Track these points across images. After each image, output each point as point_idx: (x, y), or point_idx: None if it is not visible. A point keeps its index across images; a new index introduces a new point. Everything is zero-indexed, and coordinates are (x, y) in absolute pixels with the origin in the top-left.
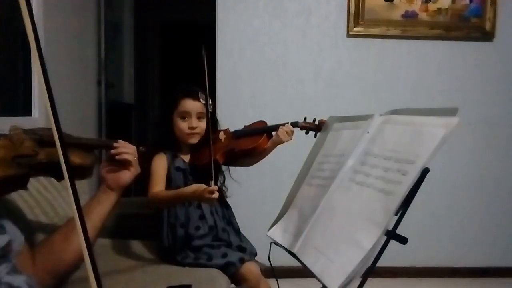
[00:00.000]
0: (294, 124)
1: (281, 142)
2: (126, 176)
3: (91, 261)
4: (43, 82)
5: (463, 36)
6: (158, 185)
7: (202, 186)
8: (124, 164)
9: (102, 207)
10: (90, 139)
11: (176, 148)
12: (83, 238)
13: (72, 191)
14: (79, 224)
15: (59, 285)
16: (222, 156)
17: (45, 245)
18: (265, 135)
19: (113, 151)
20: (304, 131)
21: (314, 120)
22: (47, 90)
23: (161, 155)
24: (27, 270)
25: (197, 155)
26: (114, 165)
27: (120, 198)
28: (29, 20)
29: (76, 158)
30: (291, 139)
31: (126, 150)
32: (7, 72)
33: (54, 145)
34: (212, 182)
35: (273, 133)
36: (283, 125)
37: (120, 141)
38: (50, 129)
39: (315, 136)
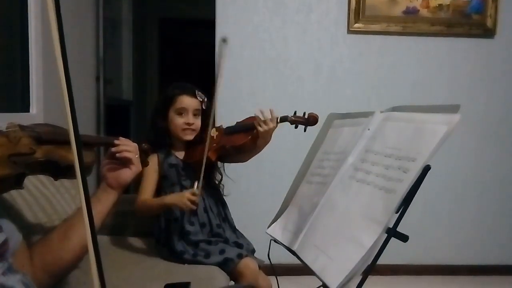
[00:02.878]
0: (284, 119)
1: (264, 134)
2: (127, 174)
3: (96, 260)
4: (65, 86)
5: (464, 33)
6: (147, 192)
7: (183, 195)
8: (125, 162)
9: (102, 206)
10: (90, 136)
11: (170, 144)
12: (91, 240)
13: (84, 192)
14: (89, 228)
15: (56, 283)
16: (214, 153)
17: (43, 243)
18: (255, 130)
19: (113, 149)
20: (294, 125)
21: (304, 114)
22: (68, 92)
23: (153, 156)
24: (24, 268)
25: (190, 152)
26: (114, 163)
27: (120, 196)
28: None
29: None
30: (270, 128)
31: (127, 147)
32: (5, 68)
33: (52, 143)
34: (196, 185)
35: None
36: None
37: (121, 138)
38: (49, 125)
39: (305, 130)
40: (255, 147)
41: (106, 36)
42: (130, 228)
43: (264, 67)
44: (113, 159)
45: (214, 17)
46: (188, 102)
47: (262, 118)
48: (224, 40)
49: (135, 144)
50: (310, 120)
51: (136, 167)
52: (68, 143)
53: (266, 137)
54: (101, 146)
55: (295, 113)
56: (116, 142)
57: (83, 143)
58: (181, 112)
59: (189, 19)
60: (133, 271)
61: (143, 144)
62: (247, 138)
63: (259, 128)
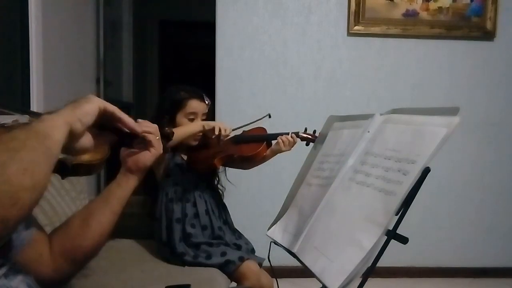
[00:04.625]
0: (295, 135)
1: (280, 151)
2: (146, 157)
3: None
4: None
5: (464, 35)
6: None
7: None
8: (145, 145)
9: (122, 191)
10: None
11: (175, 148)
12: None
13: None
14: None
15: (78, 270)
16: (220, 161)
17: (63, 231)
18: (265, 143)
19: None
20: (305, 142)
21: (315, 131)
22: None
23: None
24: (43, 257)
25: (195, 157)
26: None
27: (141, 181)
28: None
29: (85, 155)
30: (290, 149)
31: (147, 128)
32: (5, 68)
33: None
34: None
35: (273, 141)
36: (283, 134)
37: (140, 120)
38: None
39: (315, 148)
40: (263, 159)
41: (107, 38)
42: (131, 230)
43: (264, 69)
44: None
45: (214, 19)
46: (198, 106)
47: (287, 140)
48: (269, 116)
49: (156, 125)
50: None
51: (156, 150)
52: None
53: (277, 153)
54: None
55: (305, 129)
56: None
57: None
58: (192, 117)
59: (189, 21)
60: (133, 273)
61: (166, 128)
62: (257, 150)
63: (282, 148)
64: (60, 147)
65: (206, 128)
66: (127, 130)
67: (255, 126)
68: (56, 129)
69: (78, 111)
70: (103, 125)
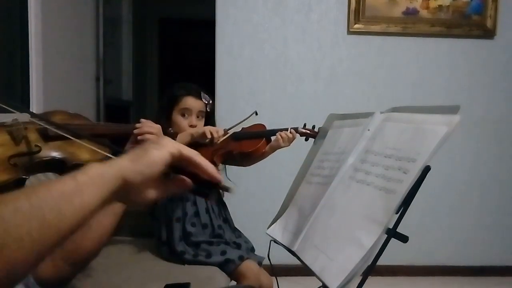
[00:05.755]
0: (294, 130)
1: (279, 147)
2: None
3: None
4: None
5: (464, 34)
6: None
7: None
8: None
9: None
10: (107, 125)
11: None
12: None
13: None
14: None
15: (77, 272)
16: (219, 158)
17: None
18: (264, 139)
19: (136, 131)
20: (304, 137)
21: (314, 127)
22: None
23: None
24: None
25: None
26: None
27: None
28: None
29: (85, 154)
30: (289, 145)
31: (150, 129)
32: (5, 68)
33: (59, 138)
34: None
35: (272, 137)
36: (282, 130)
37: (143, 120)
38: (65, 114)
39: (315, 143)
40: (263, 155)
41: (106, 36)
42: (130, 229)
43: (263, 67)
44: (136, 143)
45: (214, 17)
46: (193, 103)
47: (286, 136)
48: (256, 113)
49: (159, 126)
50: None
51: None
52: (79, 137)
53: (276, 149)
54: (121, 136)
55: (304, 125)
56: (137, 125)
57: (100, 135)
58: (184, 113)
59: (189, 19)
60: (133, 272)
61: (170, 129)
62: (256, 146)
63: (281, 144)
64: (93, 207)
65: (196, 136)
66: (206, 178)
67: (253, 124)
68: (94, 186)
69: (141, 162)
70: (176, 167)
